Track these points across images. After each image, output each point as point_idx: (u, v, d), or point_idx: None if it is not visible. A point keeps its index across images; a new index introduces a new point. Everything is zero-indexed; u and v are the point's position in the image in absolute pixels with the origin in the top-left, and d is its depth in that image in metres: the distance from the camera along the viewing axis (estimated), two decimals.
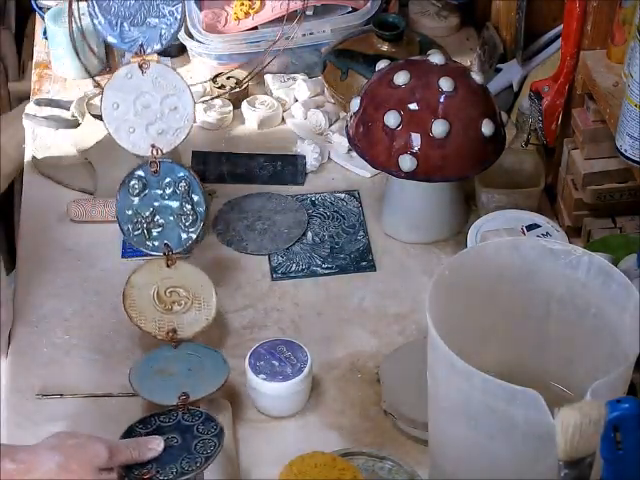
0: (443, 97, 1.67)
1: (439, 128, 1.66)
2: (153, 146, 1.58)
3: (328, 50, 2.07)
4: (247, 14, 2.07)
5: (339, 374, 1.61)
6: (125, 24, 1.57)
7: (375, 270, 1.77)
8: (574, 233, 1.76)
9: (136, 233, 1.60)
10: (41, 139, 1.99)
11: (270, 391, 1.52)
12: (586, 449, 1.10)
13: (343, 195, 1.91)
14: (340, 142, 1.95)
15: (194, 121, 1.60)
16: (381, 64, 1.77)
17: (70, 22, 1.89)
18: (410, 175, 1.69)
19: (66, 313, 1.70)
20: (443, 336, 1.23)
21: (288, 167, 1.95)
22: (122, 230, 1.61)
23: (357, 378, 1.61)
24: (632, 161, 1.47)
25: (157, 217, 1.60)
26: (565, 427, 1.08)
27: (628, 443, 1.10)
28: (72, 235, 1.82)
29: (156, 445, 1.36)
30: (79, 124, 1.97)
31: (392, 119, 1.68)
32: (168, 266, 1.59)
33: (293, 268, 1.78)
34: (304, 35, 2.07)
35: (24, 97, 2.21)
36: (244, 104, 2.04)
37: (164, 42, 1.58)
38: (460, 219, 1.83)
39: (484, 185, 1.78)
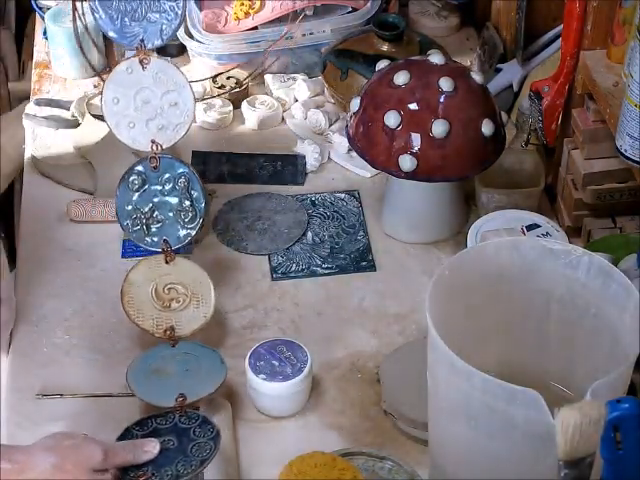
0: (443, 97, 1.67)
1: (439, 128, 1.66)
2: (153, 142, 1.57)
3: (328, 50, 2.07)
4: (247, 14, 2.07)
5: (339, 374, 1.61)
6: (126, 19, 1.56)
7: (375, 270, 1.77)
8: (574, 233, 1.75)
9: (135, 229, 1.60)
10: (41, 139, 1.99)
11: (270, 391, 1.52)
12: (586, 449, 1.10)
13: (343, 195, 1.90)
14: (340, 142, 1.95)
15: (194, 118, 1.59)
16: (381, 64, 1.77)
17: (74, 19, 1.89)
18: (410, 175, 1.69)
19: (66, 313, 1.70)
20: (443, 336, 1.23)
21: (288, 167, 1.95)
22: (121, 225, 1.60)
23: (357, 378, 1.60)
24: (632, 161, 1.47)
25: (156, 213, 1.59)
26: (565, 427, 1.08)
27: (628, 443, 1.10)
28: (72, 235, 1.82)
29: (152, 447, 1.36)
30: (79, 124, 1.97)
31: (392, 119, 1.68)
32: (167, 262, 1.59)
33: (293, 268, 1.77)
34: (304, 35, 2.08)
35: (24, 97, 2.21)
36: (244, 104, 2.04)
37: (165, 37, 1.57)
38: (460, 219, 1.83)
39: (484, 185, 1.78)
